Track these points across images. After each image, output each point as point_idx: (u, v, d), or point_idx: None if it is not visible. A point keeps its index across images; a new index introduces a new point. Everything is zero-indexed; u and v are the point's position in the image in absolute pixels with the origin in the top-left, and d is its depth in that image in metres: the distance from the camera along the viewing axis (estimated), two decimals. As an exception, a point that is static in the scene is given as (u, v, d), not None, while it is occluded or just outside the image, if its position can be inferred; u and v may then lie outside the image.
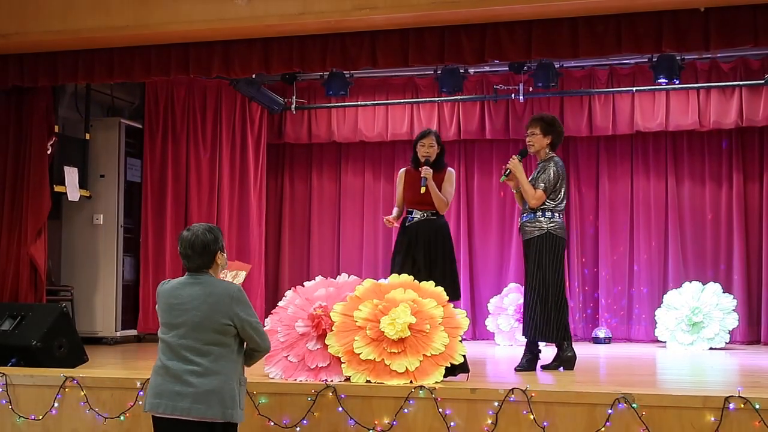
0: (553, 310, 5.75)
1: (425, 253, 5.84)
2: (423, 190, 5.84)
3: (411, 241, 5.92)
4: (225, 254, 3.81)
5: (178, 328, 3.63)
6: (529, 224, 5.85)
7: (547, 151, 5.94)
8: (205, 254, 3.68)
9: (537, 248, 5.77)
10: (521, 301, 8.48)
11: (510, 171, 5.90)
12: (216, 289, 3.65)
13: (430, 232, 5.89)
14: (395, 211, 6.20)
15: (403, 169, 6.23)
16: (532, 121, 6.04)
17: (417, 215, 5.96)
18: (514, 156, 5.96)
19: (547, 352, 6.03)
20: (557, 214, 5.84)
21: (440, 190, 5.90)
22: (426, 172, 5.86)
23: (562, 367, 5.82)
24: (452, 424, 4.29)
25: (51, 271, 8.00)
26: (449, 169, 6.07)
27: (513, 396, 4.23)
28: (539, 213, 5.81)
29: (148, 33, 6.49)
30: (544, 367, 5.87)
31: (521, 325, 8.37)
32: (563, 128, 6.17)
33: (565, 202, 5.91)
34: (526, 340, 5.94)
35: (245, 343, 3.77)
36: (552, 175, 5.80)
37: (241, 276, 4.52)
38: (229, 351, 3.65)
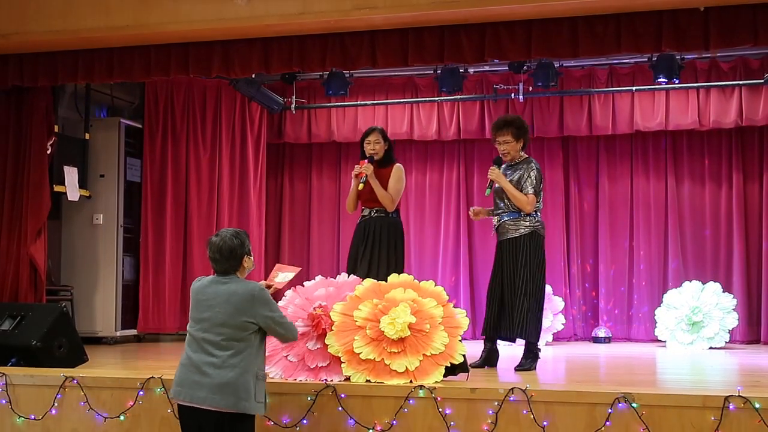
0: (539, 309, 5.80)
1: (367, 250, 5.83)
2: (361, 186, 5.85)
3: (359, 239, 5.95)
4: (252, 257, 4.07)
5: (202, 323, 3.90)
6: (512, 223, 5.80)
7: (521, 153, 5.91)
8: (232, 258, 3.95)
9: (524, 247, 5.75)
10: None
11: (492, 182, 5.85)
12: (239, 288, 3.91)
13: (377, 230, 5.89)
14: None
15: (358, 166, 6.14)
16: (500, 128, 5.87)
17: (366, 212, 6.00)
18: (493, 167, 5.85)
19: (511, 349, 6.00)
20: (539, 213, 5.87)
21: (386, 187, 5.87)
22: (366, 168, 5.84)
23: (532, 367, 5.76)
24: (452, 423, 4.29)
25: (51, 271, 8.00)
26: (397, 165, 6.02)
27: (513, 395, 4.23)
28: (523, 213, 5.79)
29: (147, 33, 6.50)
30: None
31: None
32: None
33: (542, 202, 5.96)
34: (501, 337, 5.92)
35: (267, 336, 4.04)
36: (535, 177, 5.77)
37: (290, 275, 4.57)
38: (248, 346, 3.88)
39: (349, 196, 6.10)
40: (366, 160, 5.94)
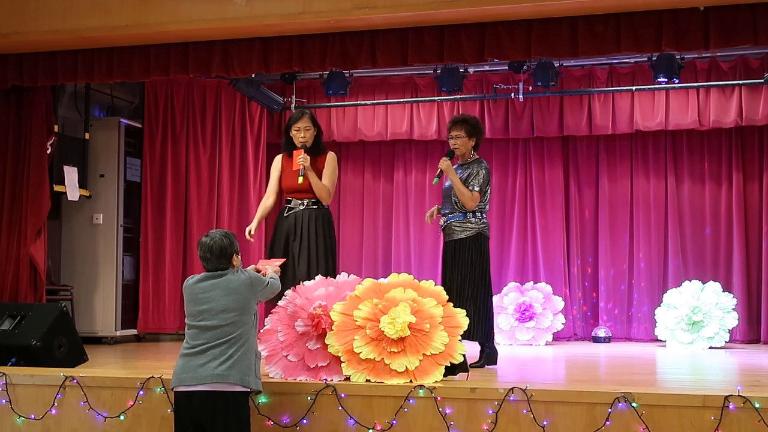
0: (484, 308, 5.86)
1: (304, 247, 5.52)
2: (301, 180, 5.50)
3: (289, 235, 5.58)
4: (239, 256, 4.19)
5: (203, 314, 4.02)
6: (458, 224, 5.91)
7: (473, 153, 6.01)
8: (222, 257, 4.09)
9: (469, 248, 5.86)
10: (521, 300, 8.54)
11: (442, 172, 5.92)
12: (236, 278, 4.09)
13: (311, 224, 5.56)
14: (260, 209, 5.78)
15: (278, 156, 5.84)
16: (455, 124, 6.03)
17: (296, 204, 5.62)
18: (444, 158, 5.94)
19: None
20: (485, 215, 5.97)
21: (320, 178, 5.58)
22: (303, 159, 5.49)
23: (486, 364, 5.83)
24: (452, 423, 4.29)
25: (51, 270, 8.00)
26: (330, 153, 5.74)
27: (513, 395, 4.23)
28: (470, 214, 5.89)
29: (147, 33, 6.50)
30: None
31: (521, 324, 8.45)
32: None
33: (488, 204, 6.03)
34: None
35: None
36: (483, 177, 5.88)
37: (277, 263, 4.61)
38: (247, 327, 4.06)
39: (265, 201, 5.76)
40: (302, 150, 5.54)
